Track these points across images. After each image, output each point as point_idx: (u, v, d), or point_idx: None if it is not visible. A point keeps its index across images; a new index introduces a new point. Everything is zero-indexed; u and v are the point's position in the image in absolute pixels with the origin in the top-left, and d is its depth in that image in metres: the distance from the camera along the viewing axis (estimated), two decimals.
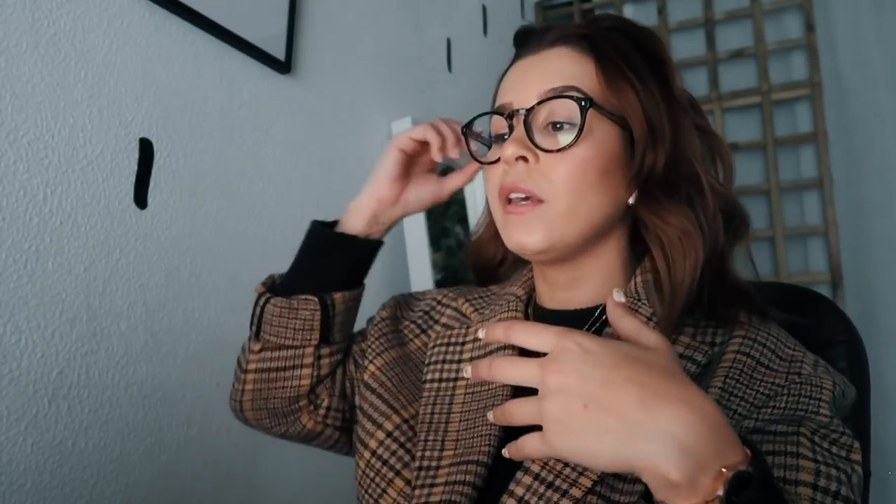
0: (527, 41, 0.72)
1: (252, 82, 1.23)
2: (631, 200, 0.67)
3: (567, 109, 0.63)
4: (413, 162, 0.78)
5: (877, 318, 1.83)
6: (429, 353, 0.74)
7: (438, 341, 0.75)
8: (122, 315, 0.95)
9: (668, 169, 0.65)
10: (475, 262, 0.83)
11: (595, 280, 0.69)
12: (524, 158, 0.64)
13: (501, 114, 0.67)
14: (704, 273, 0.64)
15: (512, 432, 0.61)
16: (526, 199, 0.64)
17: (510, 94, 0.68)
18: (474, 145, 0.74)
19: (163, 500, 0.98)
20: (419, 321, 0.80)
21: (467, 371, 0.51)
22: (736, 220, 0.70)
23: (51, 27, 0.89)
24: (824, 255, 1.90)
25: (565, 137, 0.63)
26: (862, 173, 1.91)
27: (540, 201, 0.63)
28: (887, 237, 1.86)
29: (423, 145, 0.76)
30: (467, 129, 0.74)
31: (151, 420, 0.98)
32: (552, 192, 0.63)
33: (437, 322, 0.78)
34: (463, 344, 0.73)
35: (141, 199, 1.00)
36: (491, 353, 0.69)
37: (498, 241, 0.77)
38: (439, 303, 0.80)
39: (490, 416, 0.50)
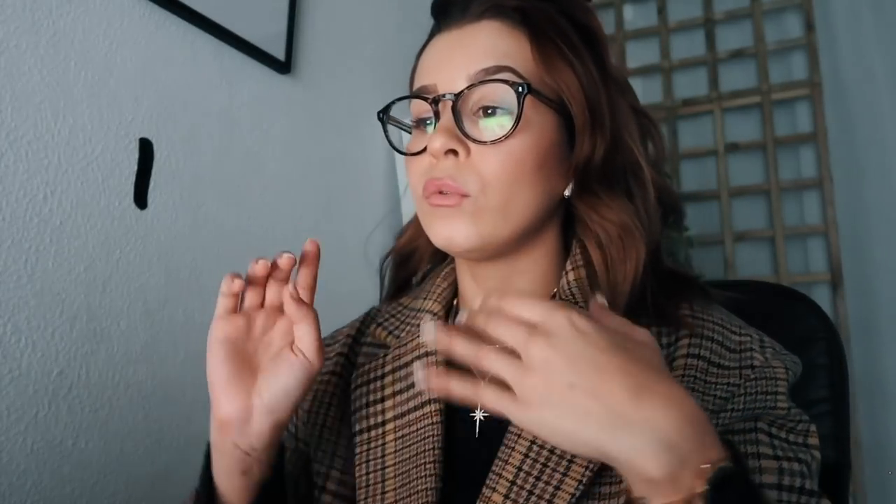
0: (448, 11, 0.63)
1: (252, 82, 1.23)
2: (567, 193, 0.61)
3: (500, 92, 0.56)
4: (247, 346, 0.62)
5: (877, 318, 1.83)
6: (352, 398, 0.66)
7: (359, 381, 0.66)
8: (122, 315, 0.95)
9: (608, 158, 0.59)
10: (399, 267, 0.73)
11: (529, 277, 0.63)
12: (454, 152, 0.57)
13: (425, 98, 0.59)
14: (645, 269, 0.59)
15: (454, 485, 0.58)
16: (457, 195, 0.58)
17: (433, 74, 0.60)
18: (393, 132, 0.65)
19: (163, 500, 0.98)
20: (340, 370, 0.70)
21: (428, 335, 0.45)
22: (670, 209, 0.65)
23: (51, 27, 0.89)
24: (824, 255, 1.90)
25: (499, 124, 0.56)
26: (862, 173, 1.90)
27: (464, 195, 0.57)
28: (887, 237, 1.86)
29: (245, 315, 0.61)
30: (384, 115, 0.64)
31: (151, 420, 0.98)
32: (484, 187, 0.56)
33: (354, 365, 0.69)
34: (382, 377, 0.66)
35: (141, 199, 1.00)
36: (412, 384, 0.63)
37: (421, 242, 0.71)
38: (354, 339, 0.72)
39: (428, 383, 0.45)
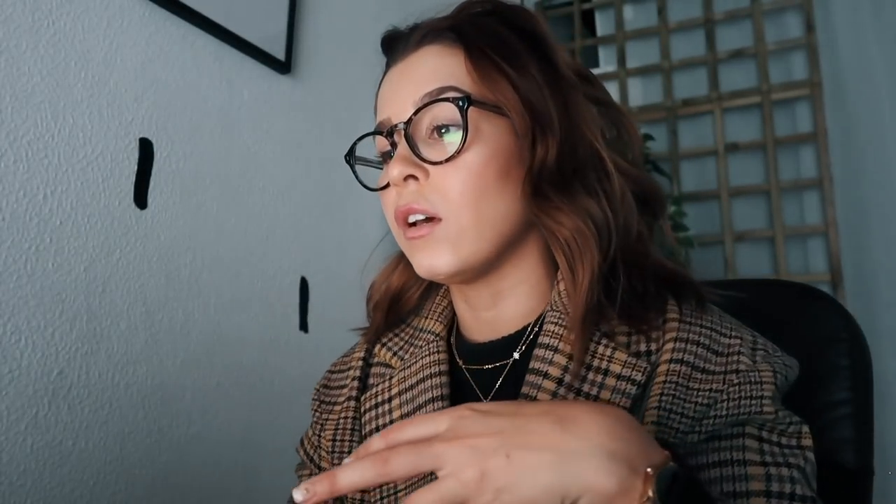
0: (393, 46, 0.65)
1: (252, 82, 1.23)
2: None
3: (446, 110, 0.57)
4: None
5: (877, 318, 1.83)
6: (363, 421, 0.66)
7: (367, 405, 0.67)
8: (122, 315, 0.95)
9: (562, 159, 0.58)
10: (390, 311, 0.71)
11: (520, 290, 0.62)
12: (413, 177, 0.57)
13: (381, 132, 0.60)
14: (621, 269, 0.58)
15: None
16: (426, 220, 0.57)
17: (387, 108, 0.61)
18: (361, 171, 0.66)
19: (163, 500, 0.98)
20: (356, 394, 0.69)
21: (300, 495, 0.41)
22: (651, 199, 0.63)
23: (51, 27, 0.89)
24: (824, 255, 1.90)
25: (453, 141, 0.57)
26: (862, 173, 1.91)
27: (438, 220, 0.56)
28: (887, 237, 1.86)
29: None
30: (350, 157, 0.65)
31: (151, 420, 0.98)
32: (450, 208, 0.56)
33: (370, 388, 0.69)
34: (390, 400, 0.65)
35: (141, 199, 1.00)
36: (421, 405, 0.62)
37: (404, 271, 0.70)
38: (365, 361, 0.71)
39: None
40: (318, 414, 0.73)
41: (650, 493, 0.40)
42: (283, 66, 1.28)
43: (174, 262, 1.04)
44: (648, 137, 1.85)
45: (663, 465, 0.41)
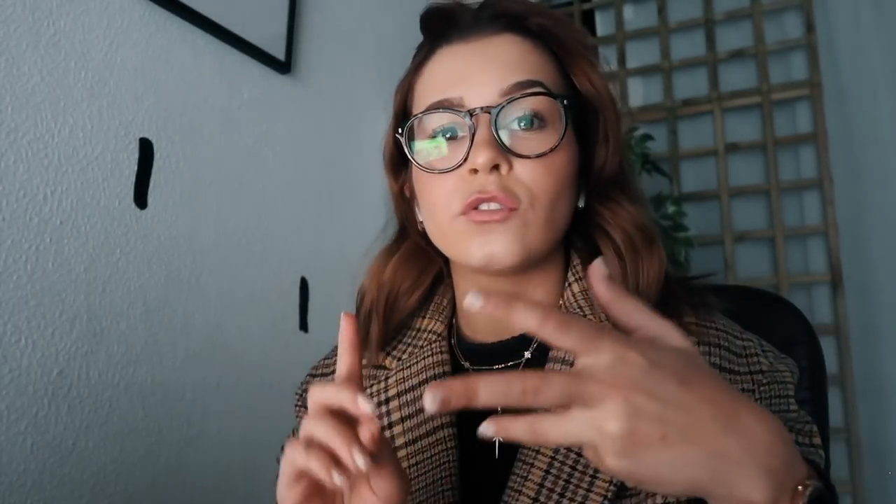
0: (451, 22, 0.62)
1: (252, 82, 1.23)
2: (580, 204, 0.62)
3: (533, 105, 0.57)
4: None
5: (877, 318, 1.83)
6: None
7: None
8: (122, 315, 0.95)
9: (621, 163, 0.62)
10: (387, 320, 0.66)
11: (537, 292, 0.63)
12: (496, 166, 0.56)
13: (458, 111, 0.57)
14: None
15: (469, 501, 0.56)
16: (509, 209, 0.56)
17: (459, 86, 0.58)
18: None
19: (163, 500, 0.98)
20: None
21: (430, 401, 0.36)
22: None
23: (51, 27, 0.89)
24: (824, 255, 1.90)
25: (539, 137, 0.57)
26: (862, 173, 1.90)
27: (514, 209, 0.56)
28: (887, 237, 1.86)
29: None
30: (403, 130, 0.61)
31: (151, 420, 0.98)
32: (531, 202, 0.56)
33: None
34: (388, 402, 0.63)
35: (141, 199, 1.00)
36: (423, 408, 0.60)
37: (412, 267, 0.67)
38: None
39: (488, 430, 0.37)
40: (300, 417, 0.71)
41: None
42: (283, 66, 1.28)
43: (174, 262, 1.04)
44: (648, 137, 1.85)
45: (808, 482, 0.39)
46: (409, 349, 0.66)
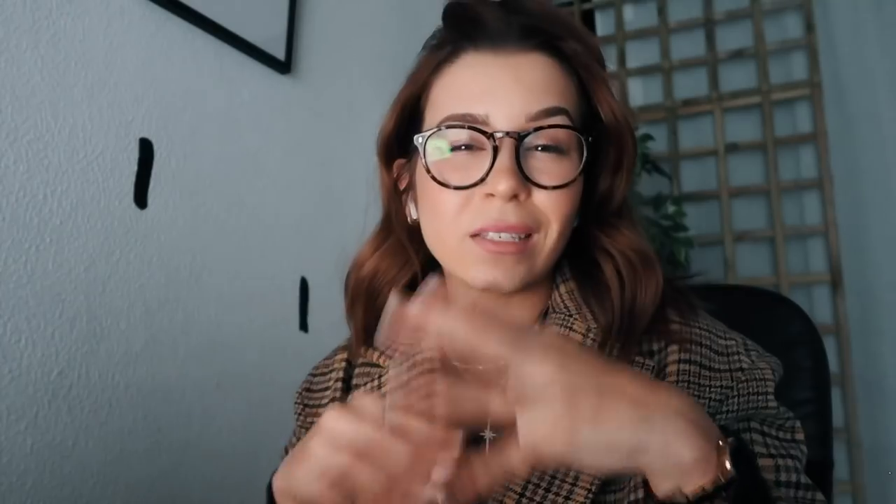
0: (481, 25, 0.59)
1: (252, 82, 1.23)
2: (576, 222, 0.62)
3: (557, 135, 0.57)
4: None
5: (877, 318, 1.83)
6: None
7: None
8: (122, 315, 0.95)
9: (624, 188, 0.63)
10: (367, 310, 0.67)
11: (527, 301, 0.63)
12: (516, 196, 0.55)
13: (483, 132, 0.56)
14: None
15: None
16: (526, 236, 0.57)
17: (485, 103, 0.57)
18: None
19: (163, 500, 0.98)
20: (339, 396, 0.68)
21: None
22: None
23: (51, 27, 0.89)
24: (824, 255, 1.90)
25: (558, 167, 0.57)
26: (862, 173, 1.91)
27: (529, 237, 0.57)
28: (887, 237, 1.86)
29: None
30: (425, 142, 0.58)
31: (151, 420, 0.98)
32: (546, 230, 0.57)
33: (356, 387, 0.67)
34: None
35: (141, 199, 1.00)
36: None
37: (395, 262, 0.67)
38: (349, 362, 0.70)
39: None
40: (301, 418, 0.71)
41: (727, 465, 0.40)
42: (283, 66, 1.28)
43: (174, 262, 1.04)
44: (648, 137, 1.85)
45: (729, 439, 0.42)
46: (402, 346, 0.66)
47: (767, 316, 0.78)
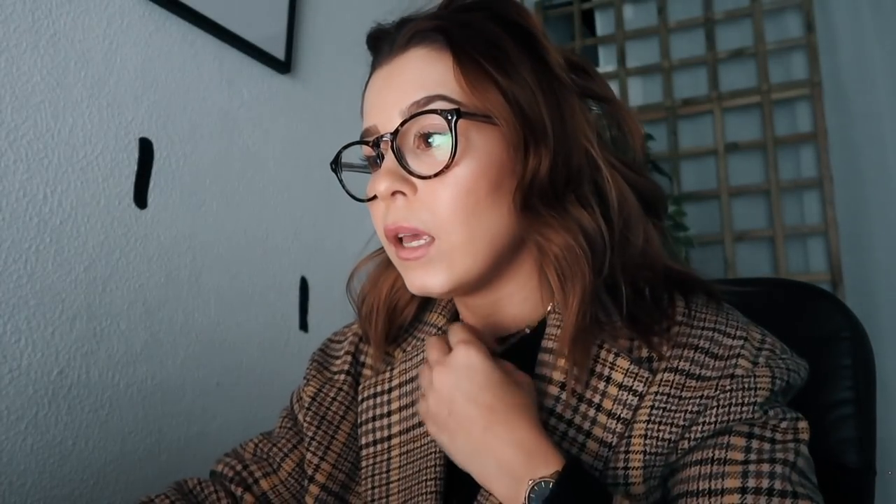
0: (379, 45, 0.62)
1: (252, 82, 1.23)
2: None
3: (435, 122, 0.54)
4: None
5: (877, 318, 1.83)
6: (359, 410, 0.67)
7: (366, 393, 0.67)
8: (122, 315, 0.95)
9: (555, 171, 0.55)
10: (390, 321, 0.68)
11: (518, 298, 0.61)
12: (401, 192, 0.55)
13: (367, 142, 0.58)
14: (622, 279, 0.56)
15: (456, 499, 0.59)
16: (414, 236, 0.55)
17: (372, 115, 0.58)
18: (352, 176, 0.63)
19: None
20: (348, 368, 0.70)
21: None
22: (652, 202, 0.60)
23: (51, 27, 0.89)
24: (824, 254, 1.90)
25: (442, 152, 0.54)
26: (862, 173, 1.91)
27: (431, 238, 0.55)
28: (887, 237, 1.86)
29: None
30: (336, 166, 0.64)
31: (151, 420, 0.98)
32: (440, 225, 0.54)
33: (363, 365, 0.70)
34: (390, 391, 0.66)
35: (141, 199, 1.00)
36: (417, 400, 0.62)
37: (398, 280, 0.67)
38: (360, 339, 0.71)
39: None
40: (311, 372, 0.72)
41: (523, 500, 0.49)
42: (283, 66, 1.28)
43: (174, 262, 1.04)
44: (648, 137, 1.85)
45: (541, 478, 0.49)
46: (414, 341, 0.68)
47: (802, 310, 0.73)
